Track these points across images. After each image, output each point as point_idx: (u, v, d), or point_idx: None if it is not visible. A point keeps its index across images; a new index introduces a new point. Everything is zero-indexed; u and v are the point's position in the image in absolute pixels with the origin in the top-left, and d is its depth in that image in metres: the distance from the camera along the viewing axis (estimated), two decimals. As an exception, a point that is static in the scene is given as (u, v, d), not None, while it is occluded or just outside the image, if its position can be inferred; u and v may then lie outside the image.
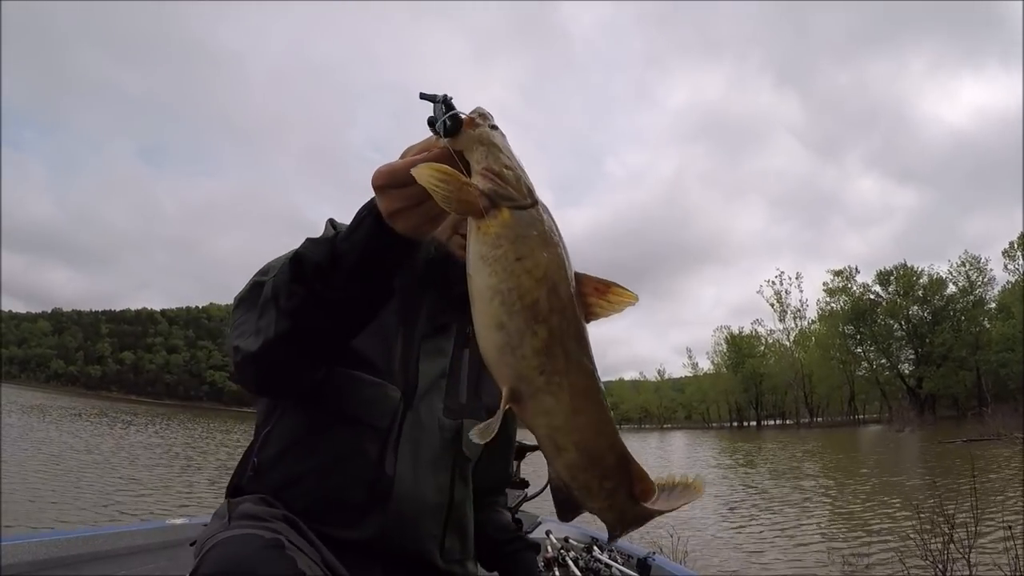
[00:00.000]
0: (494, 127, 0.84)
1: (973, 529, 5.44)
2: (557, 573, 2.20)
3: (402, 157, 0.93)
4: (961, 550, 5.32)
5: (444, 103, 0.86)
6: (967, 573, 5.26)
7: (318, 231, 1.29)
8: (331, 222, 1.36)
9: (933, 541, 5.57)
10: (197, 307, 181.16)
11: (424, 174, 0.76)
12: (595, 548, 2.45)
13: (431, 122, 0.87)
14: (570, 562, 2.25)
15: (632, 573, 2.18)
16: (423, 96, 0.85)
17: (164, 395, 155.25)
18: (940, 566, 5.35)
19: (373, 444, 1.26)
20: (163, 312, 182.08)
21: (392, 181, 0.88)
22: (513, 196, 0.78)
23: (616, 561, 2.28)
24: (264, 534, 1.03)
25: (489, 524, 1.63)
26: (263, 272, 1.27)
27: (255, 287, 1.19)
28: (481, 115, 0.85)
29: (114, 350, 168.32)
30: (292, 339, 1.05)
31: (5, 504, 7.93)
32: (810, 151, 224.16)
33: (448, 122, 0.84)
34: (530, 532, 2.53)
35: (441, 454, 1.34)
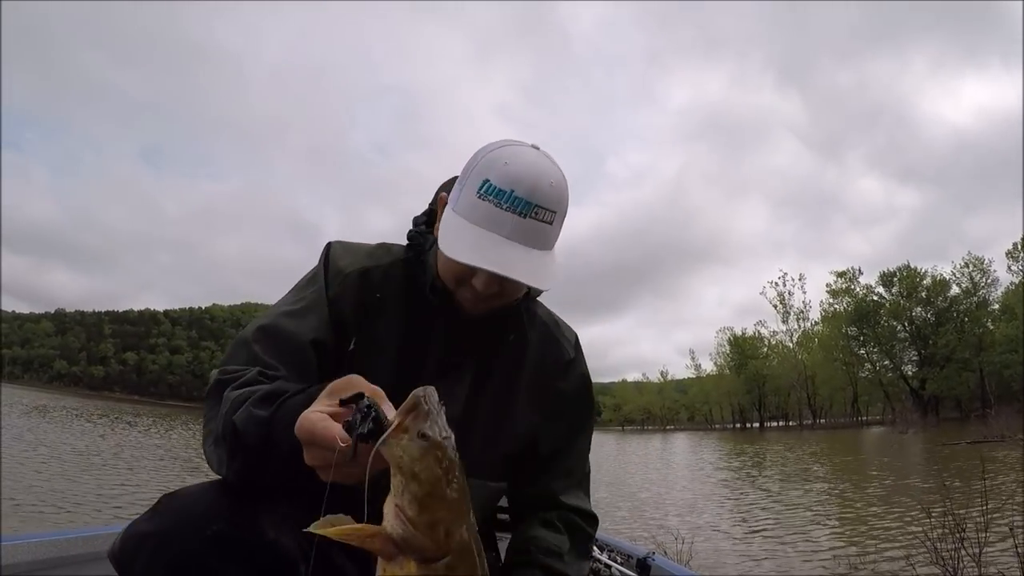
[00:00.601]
0: (424, 436, 0.69)
1: (984, 532, 5.40)
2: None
3: (316, 403, 0.83)
4: (971, 553, 5.28)
5: (365, 413, 0.76)
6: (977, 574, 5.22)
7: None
8: (327, 251, 1.29)
9: (943, 544, 5.52)
10: (200, 308, 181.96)
11: (329, 533, 0.69)
12: (595, 548, 2.44)
13: (348, 427, 0.77)
14: (569, 563, 2.24)
15: (631, 573, 2.17)
16: (343, 402, 0.78)
17: (167, 396, 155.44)
18: (950, 570, 5.30)
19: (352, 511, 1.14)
20: (166, 313, 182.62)
21: (312, 440, 0.80)
22: (422, 549, 0.69)
23: (616, 561, 2.28)
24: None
25: (514, 540, 1.34)
26: (233, 353, 1.16)
27: (218, 386, 1.07)
28: (412, 409, 0.70)
29: (117, 351, 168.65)
30: (244, 485, 1.01)
31: (5, 504, 7.93)
32: (812, 150, 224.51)
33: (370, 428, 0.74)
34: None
35: None
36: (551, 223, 1.12)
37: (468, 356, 1.26)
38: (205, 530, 0.93)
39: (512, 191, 1.07)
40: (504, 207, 1.07)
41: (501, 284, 1.12)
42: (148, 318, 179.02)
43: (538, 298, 1.43)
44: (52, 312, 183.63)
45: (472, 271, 1.11)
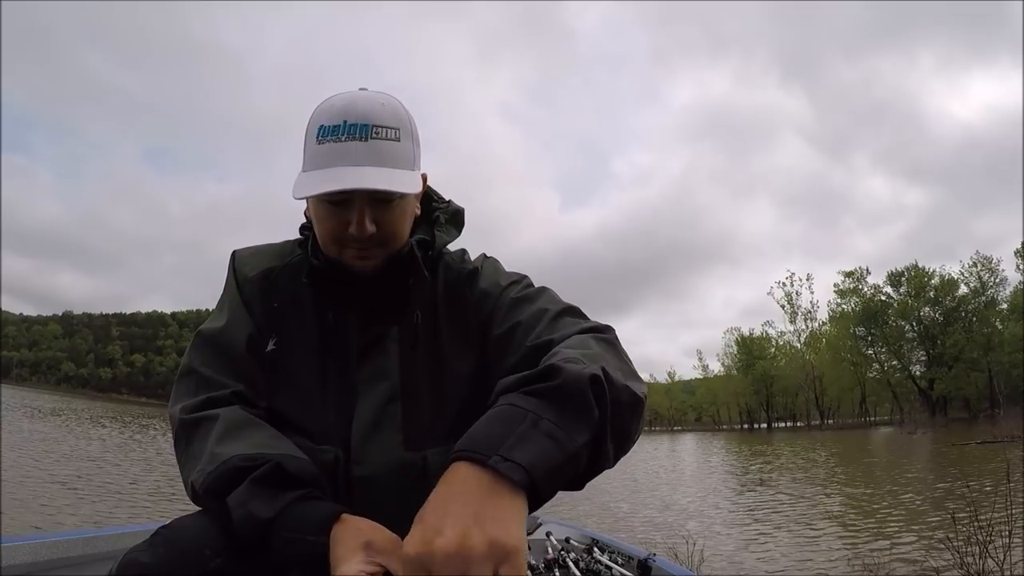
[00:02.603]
0: None
1: (1008, 539, 5.32)
2: (557, 574, 2.18)
3: (353, 557, 0.84)
4: (996, 560, 5.19)
5: None
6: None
7: None
8: (232, 259, 1.27)
9: (968, 554, 5.43)
10: (207, 309, 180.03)
11: None
12: (595, 549, 2.43)
13: None
14: (570, 563, 2.23)
15: (631, 575, 2.16)
16: None
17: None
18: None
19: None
20: (173, 315, 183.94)
21: None
22: None
23: (616, 563, 2.26)
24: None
25: None
26: (181, 389, 1.14)
27: (187, 429, 1.06)
28: None
29: (125, 353, 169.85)
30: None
31: (5, 504, 7.96)
32: (818, 149, 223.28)
33: None
34: (530, 533, 2.51)
35: (406, 497, 1.05)
36: (398, 140, 1.08)
37: (386, 324, 1.19)
38: (207, 564, 0.91)
39: (345, 120, 1.05)
40: (344, 138, 1.04)
41: (377, 221, 1.08)
42: (155, 320, 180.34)
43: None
44: (60, 314, 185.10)
45: (347, 222, 1.07)
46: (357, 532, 0.86)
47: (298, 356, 1.17)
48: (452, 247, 1.31)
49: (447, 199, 1.30)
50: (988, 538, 5.33)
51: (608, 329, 1.09)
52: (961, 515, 6.29)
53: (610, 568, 2.20)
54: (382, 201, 1.07)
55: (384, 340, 1.18)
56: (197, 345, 1.19)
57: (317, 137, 1.06)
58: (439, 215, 1.27)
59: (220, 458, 0.97)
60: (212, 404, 1.09)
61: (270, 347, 1.18)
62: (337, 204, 1.06)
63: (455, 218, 1.30)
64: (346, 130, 1.04)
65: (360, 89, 1.13)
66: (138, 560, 0.89)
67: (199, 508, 1.03)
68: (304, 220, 1.26)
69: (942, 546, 6.12)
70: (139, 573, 0.89)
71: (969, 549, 5.42)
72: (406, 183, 1.06)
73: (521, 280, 1.26)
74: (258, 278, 1.22)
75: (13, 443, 17.12)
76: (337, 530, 0.87)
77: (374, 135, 1.05)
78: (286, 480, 0.95)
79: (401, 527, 1.02)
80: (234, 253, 1.27)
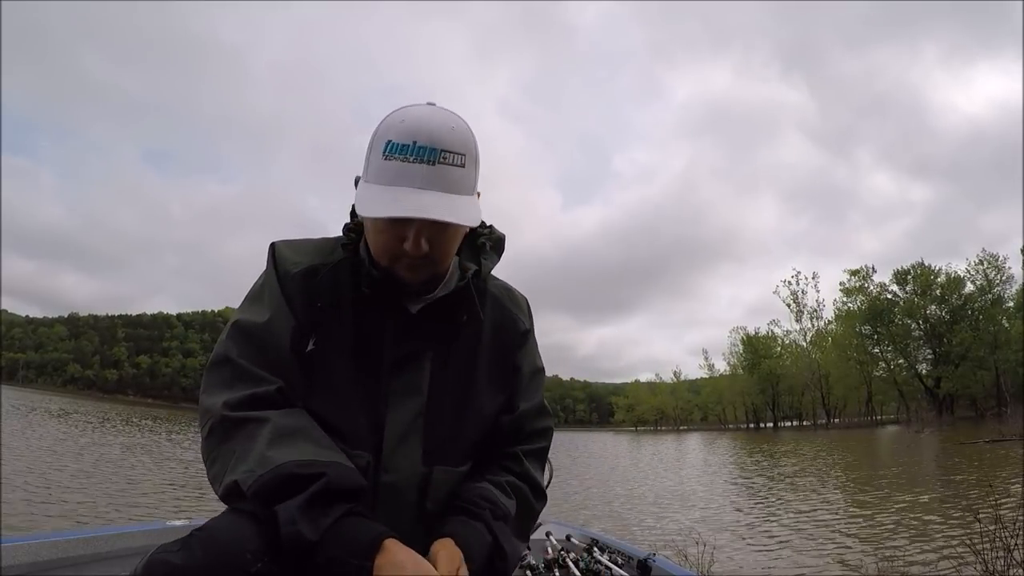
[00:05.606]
0: None
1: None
2: (557, 574, 2.18)
3: None
4: (1019, 560, 5.11)
5: None
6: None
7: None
8: (272, 252, 1.26)
9: (991, 551, 5.35)
10: (213, 311, 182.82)
11: None
12: (595, 549, 2.43)
13: None
14: (570, 563, 2.23)
15: (630, 575, 2.15)
16: None
17: (181, 399, 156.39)
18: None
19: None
20: (179, 316, 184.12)
21: None
22: None
23: (616, 563, 2.25)
24: None
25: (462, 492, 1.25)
26: (217, 379, 1.15)
27: (229, 426, 1.08)
28: None
29: (130, 354, 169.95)
30: None
31: (5, 504, 7.96)
32: (821, 145, 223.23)
33: None
34: (531, 532, 2.51)
35: (415, 508, 1.20)
36: (463, 166, 1.11)
37: (424, 343, 1.23)
38: (249, 568, 0.91)
39: (415, 142, 1.07)
40: (411, 159, 1.07)
41: (431, 241, 1.12)
42: (161, 321, 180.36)
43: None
44: (65, 316, 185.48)
45: (402, 238, 1.11)
46: (400, 567, 0.94)
47: (334, 358, 1.19)
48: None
49: (489, 224, 1.33)
50: (1013, 541, 5.26)
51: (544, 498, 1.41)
52: (983, 516, 6.22)
53: (610, 568, 2.19)
54: (438, 224, 1.09)
55: (420, 357, 1.22)
56: (234, 335, 1.17)
57: (384, 152, 1.08)
58: (484, 241, 1.32)
59: (273, 462, 0.99)
60: (257, 400, 1.09)
61: (310, 346, 1.18)
62: (395, 221, 1.09)
63: (498, 245, 1.35)
64: (414, 151, 1.07)
65: (428, 104, 1.15)
66: (169, 561, 0.89)
67: (226, 508, 1.05)
68: (349, 220, 1.28)
69: (963, 548, 6.05)
70: (167, 573, 0.88)
71: (993, 552, 5.36)
72: (466, 214, 1.09)
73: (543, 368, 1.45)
74: (301, 275, 1.21)
75: (16, 443, 17.17)
76: (382, 563, 0.94)
77: (441, 160, 1.08)
78: (333, 496, 0.99)
79: (407, 537, 1.09)
80: (273, 245, 1.27)
